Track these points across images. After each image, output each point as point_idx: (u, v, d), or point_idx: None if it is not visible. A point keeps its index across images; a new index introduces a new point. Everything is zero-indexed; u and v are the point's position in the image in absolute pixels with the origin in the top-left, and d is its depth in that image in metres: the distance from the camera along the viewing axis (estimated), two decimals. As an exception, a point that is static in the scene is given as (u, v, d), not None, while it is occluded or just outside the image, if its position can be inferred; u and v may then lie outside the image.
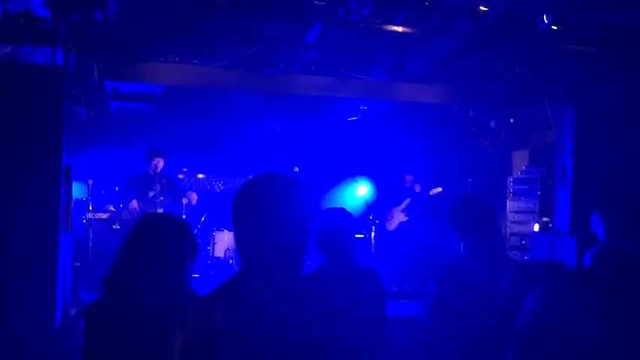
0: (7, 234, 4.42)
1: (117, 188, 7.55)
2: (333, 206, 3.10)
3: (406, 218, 8.12)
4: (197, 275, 7.16)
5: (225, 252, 8.06)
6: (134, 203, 7.01)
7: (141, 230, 2.23)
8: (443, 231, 7.61)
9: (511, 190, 7.22)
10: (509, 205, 7.19)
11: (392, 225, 8.23)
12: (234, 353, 1.41)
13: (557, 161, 6.04)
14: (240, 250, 1.55)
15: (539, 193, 6.71)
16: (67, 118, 4.87)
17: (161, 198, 7.05)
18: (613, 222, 3.81)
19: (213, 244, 8.11)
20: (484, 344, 2.74)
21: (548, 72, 5.88)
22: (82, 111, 6.19)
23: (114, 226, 7.09)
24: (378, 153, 9.27)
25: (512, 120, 7.25)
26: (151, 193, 7.04)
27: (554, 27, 4.23)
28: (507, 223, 7.17)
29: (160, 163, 7.08)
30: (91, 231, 6.31)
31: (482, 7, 4.86)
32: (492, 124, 7.49)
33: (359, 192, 8.82)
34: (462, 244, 3.14)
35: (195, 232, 2.12)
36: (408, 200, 8.06)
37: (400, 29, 5.05)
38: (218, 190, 8.17)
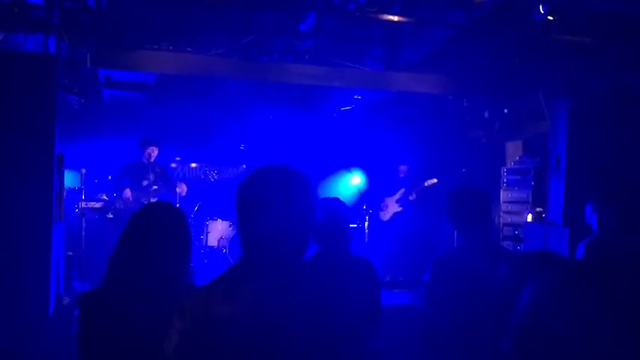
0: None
1: (110, 177, 7.52)
2: (326, 196, 3.11)
3: (400, 209, 8.14)
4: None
5: (219, 241, 8.07)
6: (127, 192, 6.99)
7: (139, 219, 2.23)
8: (437, 221, 7.68)
9: (504, 181, 7.24)
10: (503, 195, 7.22)
11: (386, 215, 8.25)
12: (230, 342, 1.41)
13: (550, 152, 6.06)
14: (242, 239, 1.56)
15: (532, 183, 6.73)
16: (60, 106, 4.83)
17: (155, 187, 7.03)
18: (607, 213, 3.83)
19: (207, 234, 8.10)
20: (477, 334, 2.76)
21: (543, 62, 5.88)
22: (74, 99, 6.13)
23: (107, 215, 7.07)
24: (371, 143, 9.26)
25: (506, 110, 7.25)
26: (145, 182, 7.02)
27: (550, 17, 4.22)
28: (501, 214, 7.20)
29: (154, 152, 7.05)
30: (83, 220, 6.28)
31: (477, -3, 4.85)
32: (486, 114, 7.49)
33: (352, 182, 8.83)
34: (456, 234, 3.15)
35: (189, 221, 2.12)
36: (402, 190, 8.07)
37: (395, 18, 5.03)
38: (212, 180, 8.14)
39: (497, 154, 7.71)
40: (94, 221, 7.06)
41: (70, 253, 6.45)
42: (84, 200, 6.47)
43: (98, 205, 7.11)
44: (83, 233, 6.22)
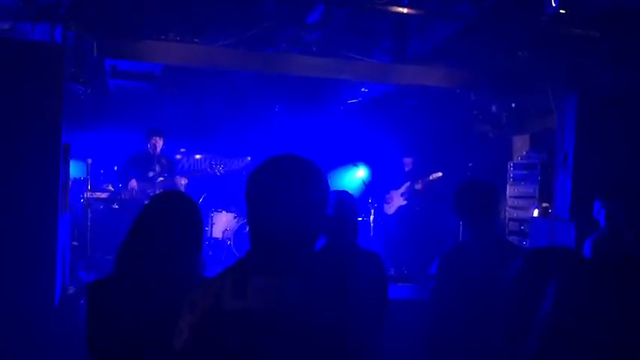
0: (6, 213, 4.40)
1: (116, 168, 7.52)
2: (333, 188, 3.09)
3: (405, 202, 8.12)
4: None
5: (223, 233, 8.08)
6: (133, 183, 6.99)
7: (151, 208, 2.21)
8: (441, 215, 7.66)
9: (511, 176, 7.20)
10: (509, 190, 7.18)
11: (391, 209, 8.24)
12: (240, 337, 1.40)
13: (558, 147, 6.02)
14: (251, 231, 1.53)
15: (539, 178, 6.68)
16: (66, 96, 4.81)
17: (161, 178, 7.03)
18: (615, 209, 3.81)
19: (212, 225, 8.11)
20: (487, 327, 2.75)
21: (552, 56, 5.83)
22: (80, 89, 6.11)
23: (113, 206, 7.08)
24: (377, 137, 9.24)
25: (513, 105, 7.20)
26: (151, 174, 7.02)
27: (562, 10, 4.17)
28: (507, 208, 7.17)
29: (159, 142, 7.05)
30: (89, 210, 6.28)
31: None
32: (493, 108, 7.44)
33: (357, 175, 8.82)
34: (462, 228, 3.14)
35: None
36: (407, 184, 8.05)
37: (405, 10, 4.98)
38: (218, 174, 8.13)
39: (504, 148, 7.67)
40: (100, 211, 7.06)
41: (76, 243, 6.47)
42: (89, 190, 6.47)
43: (104, 195, 7.12)
44: (89, 223, 6.23)
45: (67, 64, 4.98)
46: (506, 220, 7.17)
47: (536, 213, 6.53)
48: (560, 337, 1.01)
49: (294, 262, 1.48)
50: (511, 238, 6.80)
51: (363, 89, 7.83)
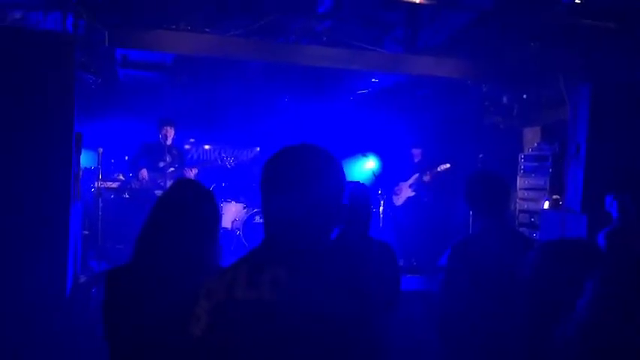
0: (19, 203, 4.43)
1: (127, 157, 7.55)
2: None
3: (413, 193, 8.10)
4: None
5: (232, 223, 8.09)
6: (144, 173, 7.01)
7: (168, 197, 2.22)
8: (450, 206, 7.64)
9: (522, 167, 7.16)
10: (520, 181, 7.15)
11: (399, 200, 8.22)
12: (253, 325, 1.40)
13: (570, 139, 5.96)
14: (265, 220, 1.52)
15: (550, 170, 6.64)
16: (77, 85, 4.82)
17: (171, 169, 7.05)
18: (627, 202, 3.78)
19: (221, 216, 8.11)
20: (497, 319, 2.74)
21: (565, 47, 5.77)
22: (90, 78, 6.12)
23: (123, 196, 7.11)
24: (387, 128, 9.20)
25: (525, 96, 7.15)
26: (161, 164, 7.03)
27: (577, 0, 4.13)
28: (517, 200, 7.14)
29: (170, 132, 7.05)
30: (100, 200, 6.31)
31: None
32: (504, 99, 7.39)
33: (366, 166, 8.80)
34: (472, 219, 3.12)
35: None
36: (416, 176, 8.03)
37: (417, 0, 4.94)
38: (229, 167, 8.14)
39: (515, 140, 7.63)
40: (111, 201, 7.10)
41: (87, 233, 6.50)
42: (100, 180, 6.50)
43: (114, 185, 7.15)
44: (100, 213, 6.26)
45: (78, 53, 4.99)
46: (517, 212, 7.14)
47: (546, 205, 6.50)
48: (599, 334, 1.00)
49: (307, 252, 1.47)
50: (521, 230, 6.77)
51: (373, 80, 7.79)
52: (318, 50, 6.27)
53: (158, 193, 6.79)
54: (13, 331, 4.12)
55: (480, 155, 7.07)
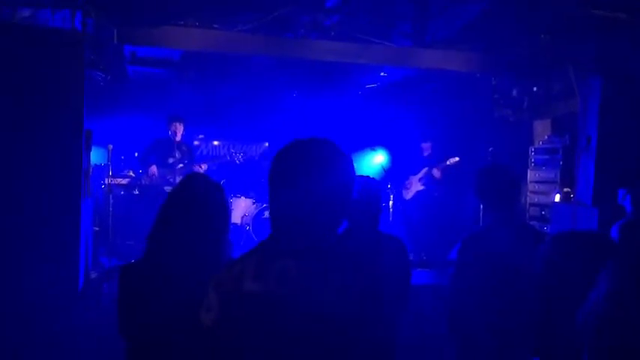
0: (30, 200, 4.46)
1: (137, 154, 7.58)
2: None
3: (423, 187, 8.07)
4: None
5: (242, 218, 8.11)
6: (153, 169, 7.04)
7: (179, 192, 2.23)
8: (460, 200, 7.61)
9: (532, 160, 7.12)
10: (530, 175, 7.11)
11: (409, 194, 8.20)
12: (260, 317, 1.40)
13: (580, 131, 5.92)
14: (272, 213, 1.52)
15: (560, 163, 6.60)
16: (86, 83, 4.84)
17: (181, 165, 7.06)
18: (641, 194, 3.75)
19: (230, 211, 8.13)
20: (508, 313, 2.73)
21: (575, 39, 5.72)
22: (99, 76, 6.15)
23: (133, 192, 7.14)
24: (396, 122, 9.17)
25: (535, 88, 7.09)
26: (171, 160, 7.06)
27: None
28: (528, 194, 7.10)
29: (179, 128, 7.07)
30: (110, 196, 6.34)
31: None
32: (514, 92, 7.34)
33: (375, 160, 8.78)
34: (482, 213, 3.11)
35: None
36: (425, 169, 8.00)
37: (425, -7, 4.92)
38: (237, 162, 8.15)
39: (525, 133, 7.57)
40: (120, 197, 7.13)
41: (97, 229, 6.54)
42: (111, 176, 6.53)
43: (124, 181, 7.18)
44: (110, 209, 6.29)
45: (87, 51, 5.00)
46: (527, 206, 7.10)
47: (557, 198, 6.46)
48: (613, 327, 0.99)
49: (315, 246, 1.47)
50: (532, 224, 6.74)
51: (382, 74, 7.76)
52: (326, 45, 6.26)
53: (168, 189, 6.82)
54: (26, 327, 4.16)
55: (490, 148, 7.03)
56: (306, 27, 6.21)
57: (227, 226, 2.24)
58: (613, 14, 5.21)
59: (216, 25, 5.95)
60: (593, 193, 5.61)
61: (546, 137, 7.14)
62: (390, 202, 7.89)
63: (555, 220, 6.29)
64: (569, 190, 6.36)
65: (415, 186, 8.13)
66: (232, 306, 1.43)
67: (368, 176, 3.08)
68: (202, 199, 2.18)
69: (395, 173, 8.23)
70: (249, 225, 7.94)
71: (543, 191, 6.89)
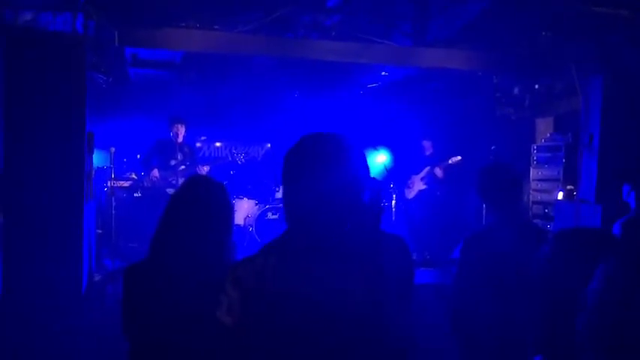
0: (33, 202, 4.47)
1: (139, 156, 7.59)
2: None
3: (425, 186, 8.07)
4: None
5: (245, 219, 8.12)
6: (155, 171, 7.05)
7: (183, 194, 2.25)
8: (462, 199, 7.60)
9: (535, 158, 7.11)
10: (533, 173, 7.10)
11: (411, 193, 8.20)
12: (281, 315, 1.41)
13: (583, 129, 5.91)
14: (288, 209, 1.51)
15: (563, 161, 6.59)
16: (88, 85, 4.85)
17: (182, 167, 7.07)
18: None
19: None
20: (511, 311, 2.73)
21: (577, 36, 5.71)
22: (101, 78, 6.16)
23: (135, 194, 7.15)
24: (398, 121, 9.17)
25: (537, 86, 7.08)
26: (173, 162, 7.07)
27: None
28: (530, 192, 7.09)
29: (181, 130, 7.08)
30: (113, 199, 6.36)
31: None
32: (516, 90, 7.33)
33: (377, 160, 8.77)
34: (485, 211, 3.10)
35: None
36: (427, 169, 7.99)
37: (425, -8, 4.91)
38: (239, 163, 8.16)
39: (528, 131, 7.57)
40: (123, 200, 7.14)
41: (100, 231, 6.55)
42: (113, 179, 6.54)
43: (127, 184, 7.19)
44: (113, 212, 6.30)
45: (89, 53, 5.02)
46: (530, 204, 7.10)
47: (560, 196, 6.45)
48: (610, 321, 0.99)
49: (331, 243, 1.46)
50: (535, 222, 6.73)
51: (383, 73, 7.76)
52: (327, 45, 6.25)
53: (170, 191, 6.83)
54: (29, 329, 4.17)
55: (493, 147, 7.03)
56: (307, 27, 6.21)
57: (230, 228, 2.25)
58: (615, 11, 5.20)
59: (216, 26, 5.95)
60: (596, 190, 5.60)
61: (549, 135, 7.14)
62: (393, 202, 7.89)
63: (558, 218, 6.28)
64: (572, 187, 6.35)
65: (417, 185, 8.12)
66: (255, 304, 1.43)
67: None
68: (205, 201, 2.19)
69: (397, 172, 8.22)
70: (252, 226, 7.95)
71: (546, 189, 6.88)
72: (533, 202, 7.06)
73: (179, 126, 7.06)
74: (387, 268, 1.58)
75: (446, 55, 6.39)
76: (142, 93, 8.25)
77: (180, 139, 7.13)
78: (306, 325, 1.39)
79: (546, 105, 7.24)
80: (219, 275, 1.56)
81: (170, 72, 7.60)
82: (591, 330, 1.05)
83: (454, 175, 7.76)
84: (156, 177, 7.03)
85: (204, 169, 7.37)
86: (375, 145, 8.81)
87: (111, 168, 6.45)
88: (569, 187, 6.40)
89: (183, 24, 5.82)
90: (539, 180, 7.02)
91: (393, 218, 7.82)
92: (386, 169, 8.21)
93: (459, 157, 7.69)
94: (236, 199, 8.12)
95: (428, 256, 7.21)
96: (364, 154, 1.52)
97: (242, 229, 8.06)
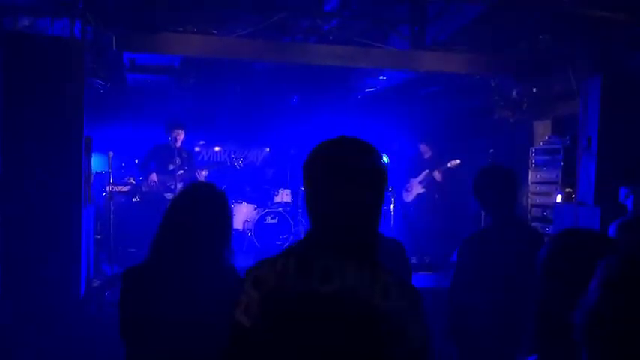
0: (31, 207, 4.47)
1: (137, 161, 7.59)
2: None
3: (423, 190, 8.08)
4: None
5: (244, 224, 8.11)
6: (153, 176, 7.05)
7: (183, 199, 2.27)
8: (461, 202, 7.60)
9: (533, 161, 7.11)
10: (531, 175, 7.09)
11: (410, 197, 8.20)
12: (303, 316, 1.42)
13: (581, 132, 5.91)
14: (310, 212, 1.51)
15: (561, 163, 6.59)
16: (86, 90, 4.86)
17: (181, 172, 7.07)
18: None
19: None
20: (508, 313, 2.73)
21: (574, 39, 5.72)
22: (99, 83, 6.17)
23: (133, 199, 7.15)
24: (396, 124, 9.18)
25: (534, 89, 7.09)
26: (171, 167, 7.06)
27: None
28: (529, 195, 7.08)
29: (180, 135, 7.08)
30: (112, 204, 6.36)
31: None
32: (514, 93, 7.34)
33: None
34: (483, 214, 3.11)
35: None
36: (426, 172, 8.00)
37: (422, -4, 4.93)
38: (238, 167, 8.17)
39: (526, 134, 7.57)
40: (121, 204, 7.14)
41: (99, 237, 6.54)
42: (112, 184, 6.54)
43: (125, 188, 7.19)
44: (111, 217, 6.30)
45: (87, 58, 5.03)
46: (529, 207, 7.09)
47: (559, 199, 6.44)
48: (607, 322, 0.99)
49: (355, 246, 1.47)
50: (534, 225, 6.73)
51: (381, 77, 7.77)
52: (325, 49, 6.27)
53: (168, 195, 6.83)
54: (27, 335, 4.16)
55: (491, 150, 7.02)
56: (305, 32, 6.24)
57: (229, 233, 2.27)
58: (612, 14, 5.21)
59: (214, 31, 5.97)
60: (594, 193, 5.59)
61: (547, 138, 7.13)
62: (392, 205, 7.89)
63: (557, 221, 6.27)
64: (570, 190, 6.35)
65: (416, 189, 8.13)
66: (275, 304, 1.44)
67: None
68: (205, 207, 2.22)
69: (396, 176, 8.23)
70: (250, 230, 7.94)
71: (544, 192, 6.87)
72: (532, 205, 7.05)
73: (178, 131, 7.06)
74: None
75: (444, 59, 6.40)
76: (140, 98, 8.26)
77: (178, 144, 7.14)
78: (326, 326, 1.40)
79: (544, 108, 7.25)
80: (217, 280, 1.56)
81: (169, 77, 7.62)
82: (590, 334, 1.05)
83: (453, 178, 7.77)
84: (154, 181, 7.03)
85: (203, 174, 7.37)
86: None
87: (109, 173, 6.45)
88: (567, 190, 6.40)
89: (181, 29, 5.83)
90: (537, 183, 7.01)
91: (392, 222, 7.82)
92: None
93: (458, 161, 7.70)
94: (235, 204, 8.12)
95: (427, 260, 7.20)
96: (383, 160, 1.54)
97: (241, 233, 8.05)
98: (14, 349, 4.09)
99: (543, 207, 6.86)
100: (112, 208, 6.34)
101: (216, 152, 9.73)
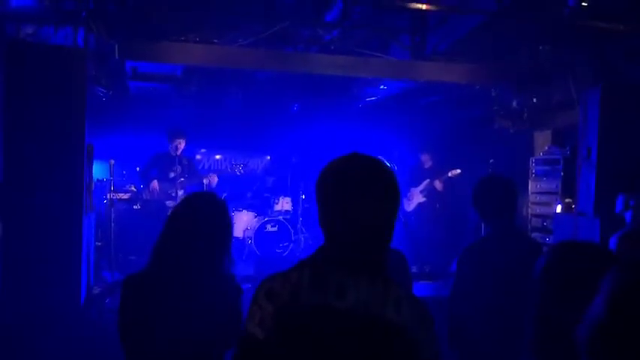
0: (32, 214, 4.48)
1: (138, 168, 7.61)
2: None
3: (424, 199, 8.09)
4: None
5: (244, 232, 8.12)
6: (154, 184, 7.06)
7: (183, 208, 2.28)
8: (462, 212, 7.60)
9: (533, 171, 7.12)
10: (531, 186, 7.10)
11: (410, 205, 8.21)
12: (318, 330, 1.41)
13: (581, 142, 5.92)
14: (324, 229, 1.52)
15: (561, 174, 6.60)
16: (88, 98, 4.88)
17: (182, 179, 7.08)
18: (641, 204, 3.74)
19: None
20: (508, 323, 2.73)
21: (574, 50, 5.75)
22: (101, 91, 6.20)
23: (134, 207, 7.16)
24: (397, 134, 9.20)
25: (535, 100, 7.12)
26: (172, 174, 7.08)
27: (583, 4, 4.12)
28: (529, 205, 7.09)
29: (182, 144, 7.10)
30: (112, 211, 6.37)
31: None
32: (514, 103, 7.36)
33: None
34: (483, 224, 3.11)
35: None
36: (427, 181, 8.01)
37: (423, 7, 4.96)
38: (238, 174, 8.19)
39: (526, 144, 7.59)
40: (122, 212, 7.14)
41: (99, 244, 6.54)
42: (113, 191, 6.55)
43: (126, 196, 7.19)
44: (112, 224, 6.30)
45: (89, 66, 5.05)
46: (529, 217, 7.09)
47: (559, 209, 6.45)
48: (613, 336, 0.99)
49: (369, 262, 1.47)
50: (534, 235, 6.73)
51: (381, 87, 7.80)
52: (326, 59, 6.30)
53: (169, 203, 6.84)
54: (27, 342, 4.16)
55: (491, 160, 7.04)
56: (306, 41, 6.27)
57: (229, 242, 2.28)
58: (612, 25, 5.24)
59: (216, 40, 6.01)
60: (594, 203, 5.59)
61: (547, 148, 7.15)
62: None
63: (557, 231, 6.27)
64: (570, 200, 6.36)
65: (417, 198, 8.14)
66: (290, 317, 1.44)
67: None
68: (205, 216, 2.23)
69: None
70: (250, 239, 7.94)
71: (545, 202, 6.88)
72: (532, 215, 7.05)
73: (179, 140, 7.08)
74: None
75: (444, 69, 6.43)
76: (141, 106, 8.29)
77: (179, 153, 7.16)
78: (340, 340, 1.40)
79: (544, 118, 7.27)
80: (217, 288, 1.57)
81: (170, 85, 7.65)
82: (593, 346, 1.06)
83: (453, 188, 7.78)
84: (155, 188, 7.04)
85: (214, 180, 7.38)
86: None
87: (110, 180, 6.46)
88: (567, 200, 6.41)
89: (183, 38, 5.87)
90: (537, 193, 7.02)
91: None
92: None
93: (459, 170, 7.71)
94: (235, 212, 8.13)
95: (427, 269, 7.20)
96: (396, 177, 1.55)
97: (241, 241, 8.06)
98: (14, 355, 4.08)
99: (543, 217, 6.87)
100: (113, 216, 6.35)
101: (217, 160, 9.75)
